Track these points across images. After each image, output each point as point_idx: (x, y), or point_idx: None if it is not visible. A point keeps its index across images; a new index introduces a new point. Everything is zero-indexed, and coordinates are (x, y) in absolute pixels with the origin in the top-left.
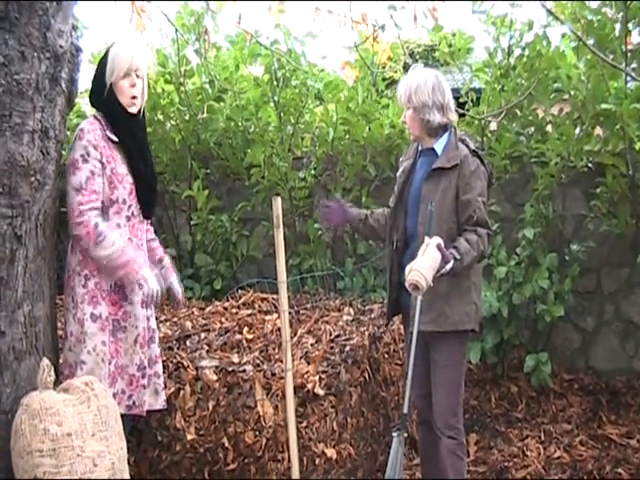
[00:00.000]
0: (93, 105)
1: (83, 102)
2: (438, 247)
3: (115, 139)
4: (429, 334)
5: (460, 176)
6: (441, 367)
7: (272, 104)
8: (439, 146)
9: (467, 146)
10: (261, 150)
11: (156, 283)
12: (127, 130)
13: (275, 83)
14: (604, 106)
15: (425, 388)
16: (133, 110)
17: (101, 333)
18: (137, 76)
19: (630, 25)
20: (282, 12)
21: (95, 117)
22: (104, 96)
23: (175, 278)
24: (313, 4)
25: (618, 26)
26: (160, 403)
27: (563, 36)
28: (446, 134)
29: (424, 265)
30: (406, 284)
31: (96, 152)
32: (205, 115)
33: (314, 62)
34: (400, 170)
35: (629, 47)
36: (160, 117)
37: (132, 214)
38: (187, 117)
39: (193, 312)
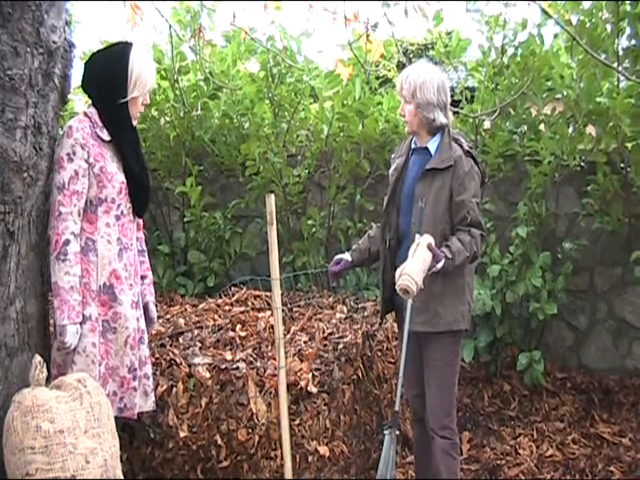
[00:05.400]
0: (88, 93)
1: (76, 98)
2: (429, 246)
3: (106, 138)
4: (423, 334)
5: (454, 177)
6: (434, 367)
7: (267, 101)
8: (432, 145)
9: (461, 146)
10: (256, 145)
11: (74, 339)
12: (122, 131)
13: (270, 80)
14: (598, 99)
15: (419, 387)
16: (136, 123)
17: (91, 334)
18: None
19: (622, 24)
20: (279, 9)
21: (86, 114)
22: (114, 101)
23: (152, 299)
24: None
25: (610, 26)
26: (149, 405)
27: (555, 36)
28: (440, 132)
29: (415, 268)
30: (397, 288)
31: (83, 151)
32: (200, 112)
33: (309, 57)
34: (392, 167)
35: (621, 46)
36: (155, 113)
37: (122, 213)
38: (182, 114)
39: (186, 309)
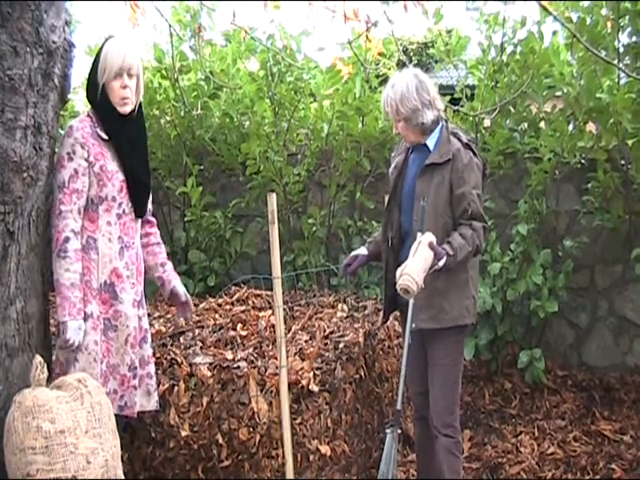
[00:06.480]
0: (90, 102)
1: (76, 98)
2: (430, 245)
3: (105, 137)
4: (427, 331)
5: (453, 170)
6: (438, 365)
7: (267, 99)
8: (431, 141)
9: (459, 139)
10: (256, 144)
11: (77, 335)
12: (118, 128)
13: (270, 78)
14: (598, 95)
15: (423, 385)
16: (126, 109)
17: (93, 332)
18: (130, 76)
19: (622, 21)
20: (277, 8)
21: (88, 114)
22: (97, 95)
23: (178, 282)
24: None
25: (609, 23)
26: (152, 404)
27: (554, 33)
28: (438, 128)
29: (415, 267)
30: (397, 288)
31: (82, 150)
32: (200, 111)
33: (310, 55)
34: (392, 166)
35: (621, 43)
36: (156, 112)
37: (123, 212)
38: (182, 113)
39: None
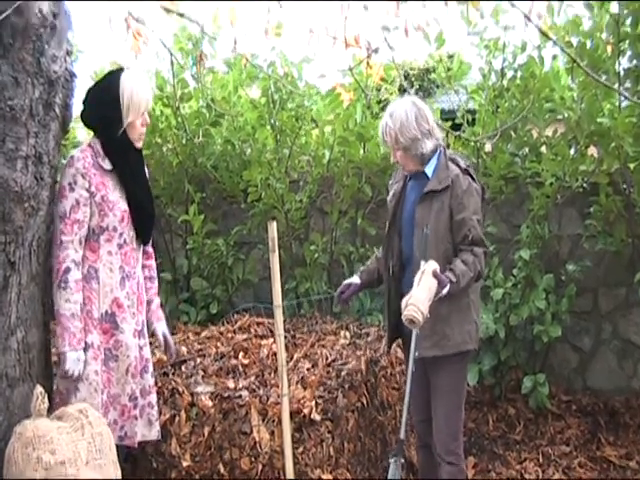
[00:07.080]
0: (89, 127)
1: (78, 127)
2: (434, 273)
3: (107, 167)
4: (430, 359)
5: (453, 196)
6: (442, 393)
7: (269, 127)
8: (429, 169)
9: (458, 165)
10: (258, 171)
11: (76, 365)
12: (124, 159)
13: (272, 106)
14: (599, 120)
15: (425, 413)
16: (140, 144)
17: (94, 362)
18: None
19: (622, 45)
20: (279, 35)
21: (89, 144)
22: (116, 131)
23: (162, 324)
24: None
25: (610, 47)
26: (154, 434)
27: (554, 57)
28: (435, 155)
29: (420, 297)
30: (403, 319)
31: (84, 180)
32: (202, 139)
33: (311, 82)
34: (390, 194)
35: (622, 67)
36: (158, 140)
37: (124, 242)
38: (184, 141)
39: (189, 337)
